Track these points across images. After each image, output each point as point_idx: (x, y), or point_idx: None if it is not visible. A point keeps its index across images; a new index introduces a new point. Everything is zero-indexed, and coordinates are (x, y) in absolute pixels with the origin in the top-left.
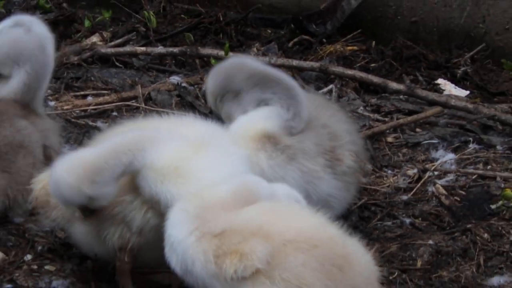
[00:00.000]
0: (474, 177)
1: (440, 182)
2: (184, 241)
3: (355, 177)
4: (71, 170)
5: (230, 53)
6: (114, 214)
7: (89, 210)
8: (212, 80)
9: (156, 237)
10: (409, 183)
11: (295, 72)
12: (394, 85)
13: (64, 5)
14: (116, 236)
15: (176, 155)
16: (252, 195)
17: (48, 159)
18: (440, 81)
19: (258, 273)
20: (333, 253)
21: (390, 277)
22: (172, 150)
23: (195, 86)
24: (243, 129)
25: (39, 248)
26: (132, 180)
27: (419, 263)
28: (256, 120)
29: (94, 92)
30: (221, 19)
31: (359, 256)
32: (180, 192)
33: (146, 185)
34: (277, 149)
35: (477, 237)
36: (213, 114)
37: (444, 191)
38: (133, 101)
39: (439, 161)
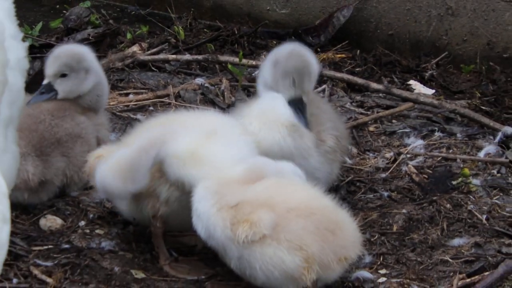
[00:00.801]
0: (439, 159)
1: (411, 163)
2: (207, 212)
3: (336, 156)
4: (116, 174)
5: (243, 60)
6: (147, 188)
7: None
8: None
9: (179, 206)
10: (387, 163)
11: None
12: (374, 85)
13: (111, 21)
14: (149, 206)
15: (191, 143)
16: (261, 172)
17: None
18: (411, 82)
19: (265, 237)
20: (327, 219)
21: (372, 239)
22: (188, 140)
23: (216, 86)
24: (276, 116)
25: (91, 216)
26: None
27: (394, 228)
28: (284, 109)
29: (135, 91)
30: (236, 32)
31: (347, 223)
32: (198, 173)
33: (170, 170)
34: (298, 135)
35: (441, 207)
36: (229, 108)
37: (414, 170)
38: (166, 98)
39: (410, 146)
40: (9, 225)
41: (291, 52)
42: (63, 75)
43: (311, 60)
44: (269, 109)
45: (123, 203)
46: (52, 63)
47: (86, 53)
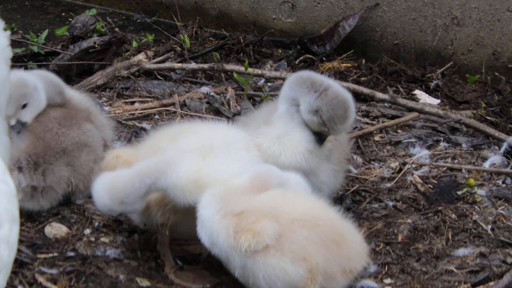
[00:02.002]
0: (444, 169)
1: (416, 173)
2: (211, 219)
3: (340, 166)
4: (106, 192)
5: (249, 69)
6: (157, 197)
7: None
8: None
9: (186, 216)
10: (392, 173)
11: None
12: (380, 95)
13: (116, 29)
14: (159, 214)
15: (191, 171)
16: (264, 181)
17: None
18: (416, 92)
19: (268, 247)
20: (332, 231)
21: (377, 249)
22: (187, 167)
23: (221, 95)
24: (295, 143)
25: (96, 224)
26: None
27: (399, 238)
28: (302, 134)
29: (140, 99)
30: (242, 41)
31: (352, 235)
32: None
33: (176, 200)
34: (314, 156)
35: (446, 217)
36: (235, 117)
37: (420, 180)
38: (171, 106)
39: (416, 156)
40: (18, 225)
41: (335, 100)
42: (24, 106)
43: (351, 116)
44: (288, 134)
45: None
46: (8, 103)
47: (23, 74)
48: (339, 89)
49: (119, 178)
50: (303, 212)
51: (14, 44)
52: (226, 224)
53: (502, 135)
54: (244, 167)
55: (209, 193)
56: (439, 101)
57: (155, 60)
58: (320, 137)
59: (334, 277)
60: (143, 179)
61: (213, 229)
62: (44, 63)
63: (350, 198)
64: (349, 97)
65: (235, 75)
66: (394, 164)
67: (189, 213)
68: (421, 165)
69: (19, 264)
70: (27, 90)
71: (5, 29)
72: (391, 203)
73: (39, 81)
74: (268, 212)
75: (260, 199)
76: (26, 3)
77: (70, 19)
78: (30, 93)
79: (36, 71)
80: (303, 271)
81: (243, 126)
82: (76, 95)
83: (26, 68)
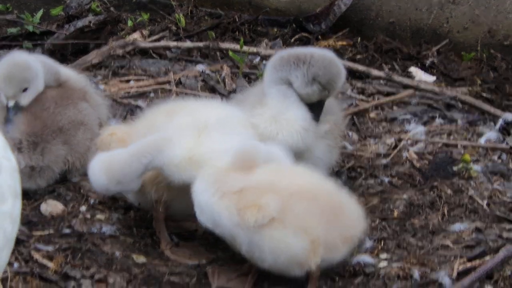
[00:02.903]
0: (439, 145)
1: (412, 149)
2: (209, 202)
3: (335, 142)
4: (103, 172)
5: (244, 47)
6: (152, 174)
7: None
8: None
9: (181, 193)
10: (388, 150)
11: None
12: (375, 72)
13: (112, 9)
14: (153, 191)
15: (186, 149)
16: (251, 157)
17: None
18: (412, 69)
19: (273, 220)
20: (330, 202)
21: (372, 224)
22: (182, 146)
23: (216, 72)
24: (291, 122)
25: (92, 201)
26: None
27: (395, 213)
28: (297, 113)
29: (136, 77)
30: (237, 20)
31: (350, 204)
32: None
33: (173, 177)
34: (310, 134)
35: (442, 193)
36: (230, 95)
37: (415, 156)
38: (167, 84)
39: (411, 132)
40: (21, 201)
41: (325, 62)
42: (25, 90)
43: (343, 71)
44: (284, 114)
45: None
46: (10, 84)
47: (28, 57)
48: (320, 51)
49: (116, 158)
50: (301, 185)
51: (9, 24)
52: (226, 204)
53: (498, 112)
54: (238, 145)
55: (201, 178)
56: (434, 78)
57: (150, 39)
58: (316, 109)
59: (336, 247)
60: (139, 159)
61: (213, 211)
62: (39, 42)
63: (346, 175)
64: (331, 53)
65: (230, 53)
66: (390, 140)
67: (183, 189)
68: (416, 141)
69: (15, 242)
70: (30, 75)
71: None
72: (386, 179)
73: (40, 65)
74: (267, 187)
75: (257, 176)
76: None
77: None
78: (32, 77)
79: (37, 56)
80: (305, 243)
81: (238, 104)
82: (72, 75)
83: (21, 47)
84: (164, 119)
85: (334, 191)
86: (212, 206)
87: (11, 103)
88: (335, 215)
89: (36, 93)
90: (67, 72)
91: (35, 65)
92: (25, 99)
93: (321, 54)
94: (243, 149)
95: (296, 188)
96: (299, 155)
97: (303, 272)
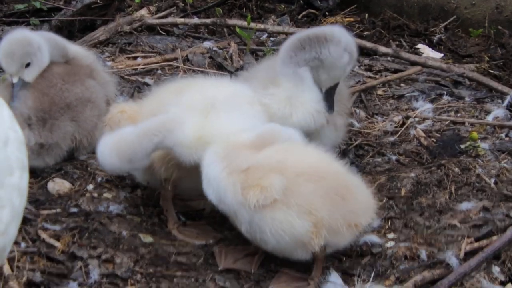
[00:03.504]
0: (447, 122)
1: (419, 126)
2: (217, 176)
3: (343, 120)
4: (114, 152)
5: (251, 23)
6: (161, 154)
7: None
8: None
9: (189, 172)
10: (395, 127)
11: None
12: (383, 49)
13: None
14: (162, 169)
15: (195, 128)
16: (272, 139)
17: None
18: (419, 46)
19: (276, 201)
20: (337, 184)
21: (380, 203)
22: (191, 125)
23: (224, 49)
24: (305, 104)
25: (99, 179)
26: None
27: (403, 192)
28: (311, 95)
29: (143, 54)
30: None
31: (359, 189)
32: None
33: (183, 157)
34: (322, 116)
35: (450, 171)
36: (238, 72)
37: (423, 134)
38: (174, 61)
39: (419, 110)
40: (28, 173)
41: (348, 36)
42: (27, 65)
43: (355, 51)
44: (298, 96)
45: None
46: (12, 61)
47: (29, 33)
48: (333, 26)
49: (126, 137)
50: (309, 165)
51: (16, 0)
52: (233, 181)
53: (506, 89)
54: (247, 123)
55: (212, 151)
56: (442, 55)
57: (157, 16)
58: (330, 96)
59: (339, 231)
60: (150, 138)
61: (220, 186)
62: (46, 19)
63: (353, 152)
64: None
65: (237, 30)
66: (397, 118)
67: (192, 169)
68: (424, 119)
69: (22, 220)
70: (31, 49)
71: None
72: (394, 157)
73: (43, 41)
74: (274, 167)
75: (265, 154)
76: None
77: None
78: (34, 52)
79: (40, 32)
80: (309, 225)
81: (246, 81)
82: (80, 52)
83: (28, 24)
84: (173, 97)
85: (343, 173)
86: (220, 181)
87: (15, 79)
88: (342, 198)
89: (40, 69)
90: (75, 49)
91: (36, 40)
92: (29, 75)
93: (340, 28)
94: (264, 131)
95: (303, 168)
96: (307, 134)
97: (308, 255)
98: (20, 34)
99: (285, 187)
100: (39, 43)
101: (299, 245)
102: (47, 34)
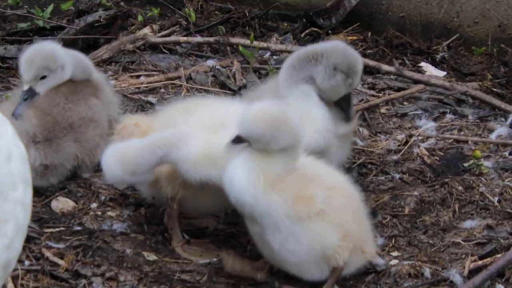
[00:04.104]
0: (450, 141)
1: (423, 145)
2: (255, 189)
3: (348, 137)
4: (118, 162)
5: (254, 42)
6: (168, 170)
7: None
8: None
9: (196, 191)
10: (398, 145)
11: None
12: (386, 67)
13: (122, 3)
14: (169, 187)
15: (202, 146)
16: None
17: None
18: (422, 64)
19: (319, 213)
20: (356, 203)
21: (384, 221)
22: (199, 141)
23: (227, 68)
24: (315, 125)
25: (103, 198)
26: None
27: (406, 210)
28: (321, 116)
29: (146, 73)
30: (247, 14)
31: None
32: (216, 172)
33: (188, 174)
34: (331, 135)
35: (453, 189)
36: (240, 90)
37: (426, 152)
38: (177, 80)
39: (422, 128)
40: (31, 188)
41: (340, 50)
42: (43, 77)
43: (358, 55)
44: (307, 115)
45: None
46: (29, 68)
47: (57, 49)
48: (332, 42)
49: (130, 149)
50: (337, 180)
51: (19, 18)
52: (276, 193)
53: (509, 107)
54: None
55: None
56: (445, 73)
57: (160, 34)
58: (345, 104)
59: (356, 251)
60: (154, 150)
61: (259, 198)
62: (49, 37)
63: (357, 171)
64: (343, 43)
65: (240, 48)
66: (401, 136)
67: (198, 188)
68: (427, 137)
69: (26, 239)
70: (52, 65)
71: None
72: (397, 176)
73: (71, 61)
74: (313, 178)
75: (300, 165)
76: None
77: None
78: (54, 68)
79: (69, 51)
80: (338, 238)
81: (251, 101)
82: (101, 76)
83: (31, 42)
84: (182, 115)
85: (356, 194)
86: (259, 194)
87: (26, 86)
88: (362, 219)
89: (54, 84)
90: (98, 75)
91: (61, 57)
92: (41, 87)
93: (332, 44)
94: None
95: (333, 182)
96: (314, 153)
97: (326, 272)
98: (48, 47)
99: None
100: (64, 61)
101: (325, 258)
102: (76, 53)
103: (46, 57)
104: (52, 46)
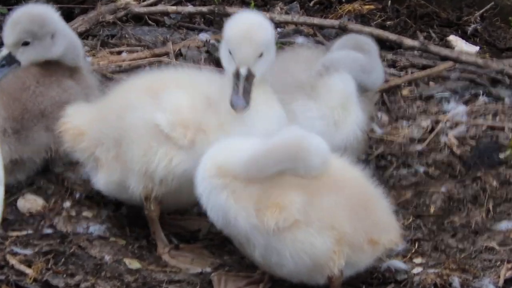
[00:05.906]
0: (483, 128)
1: (451, 132)
2: (223, 202)
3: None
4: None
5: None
6: (136, 165)
7: None
8: None
9: (178, 185)
10: (423, 133)
11: (316, 29)
12: (408, 41)
13: None
14: (140, 187)
15: None
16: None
17: None
18: (451, 37)
19: (297, 221)
20: (359, 194)
21: (405, 223)
22: None
23: None
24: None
25: (77, 195)
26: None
27: (432, 210)
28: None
29: (128, 48)
30: None
31: (380, 200)
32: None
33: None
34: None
35: (487, 185)
36: None
37: (455, 141)
38: (165, 57)
39: (451, 113)
40: (3, 186)
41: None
42: (25, 43)
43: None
44: (346, 116)
45: (104, 179)
46: (11, 30)
47: (50, 13)
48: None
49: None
50: (327, 175)
51: None
52: (244, 204)
53: None
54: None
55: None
56: (478, 48)
57: (145, 3)
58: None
59: (361, 247)
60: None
61: (228, 211)
62: (16, 6)
63: (374, 163)
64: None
65: None
66: (426, 122)
67: (180, 182)
68: (457, 124)
69: None
70: (39, 31)
71: None
72: (421, 169)
73: (67, 36)
74: (293, 182)
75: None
76: None
77: None
78: (40, 36)
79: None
80: (330, 242)
81: None
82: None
83: None
84: (143, 96)
85: (364, 181)
86: (227, 207)
87: (4, 51)
88: (364, 208)
89: (39, 56)
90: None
91: (52, 25)
92: (22, 56)
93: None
94: (289, 139)
95: (323, 179)
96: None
97: (324, 279)
98: (37, 9)
99: (306, 203)
100: (55, 30)
101: (318, 267)
102: (72, 33)
103: (31, 20)
104: (43, 9)
